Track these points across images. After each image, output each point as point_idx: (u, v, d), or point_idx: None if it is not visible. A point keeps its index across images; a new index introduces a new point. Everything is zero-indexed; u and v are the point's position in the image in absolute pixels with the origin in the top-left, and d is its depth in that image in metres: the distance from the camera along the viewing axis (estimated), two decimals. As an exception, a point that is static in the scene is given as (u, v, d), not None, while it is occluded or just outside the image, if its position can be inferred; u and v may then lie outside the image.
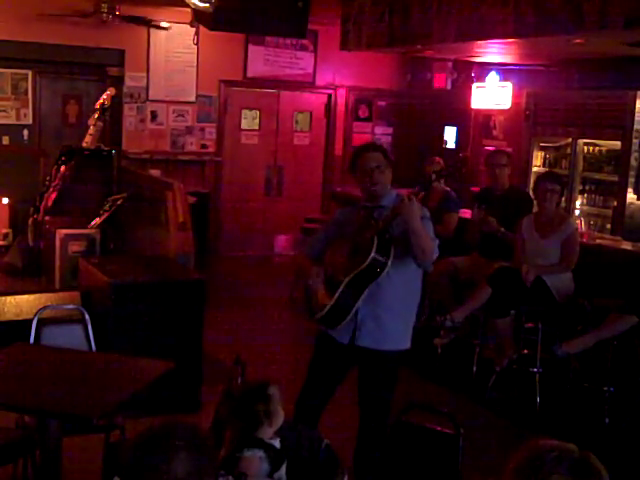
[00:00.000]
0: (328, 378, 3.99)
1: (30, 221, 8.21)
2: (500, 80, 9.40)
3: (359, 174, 3.88)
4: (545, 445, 1.75)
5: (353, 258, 3.73)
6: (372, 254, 3.63)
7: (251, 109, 10.25)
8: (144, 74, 9.45)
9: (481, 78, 9.60)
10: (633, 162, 7.92)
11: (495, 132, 9.76)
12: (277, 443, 2.77)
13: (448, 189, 6.84)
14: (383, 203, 3.85)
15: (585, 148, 8.62)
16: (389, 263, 3.66)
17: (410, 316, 3.95)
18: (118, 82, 9.21)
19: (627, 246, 6.19)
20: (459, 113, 10.13)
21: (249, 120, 10.27)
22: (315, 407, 4.01)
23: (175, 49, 9.50)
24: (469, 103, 9.80)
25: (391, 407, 3.87)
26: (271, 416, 2.75)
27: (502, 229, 6.00)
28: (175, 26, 9.12)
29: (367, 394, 3.92)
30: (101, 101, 8.22)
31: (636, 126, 7.85)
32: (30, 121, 9.21)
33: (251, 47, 9.90)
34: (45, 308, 4.33)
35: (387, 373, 3.91)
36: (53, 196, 7.93)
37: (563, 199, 6.31)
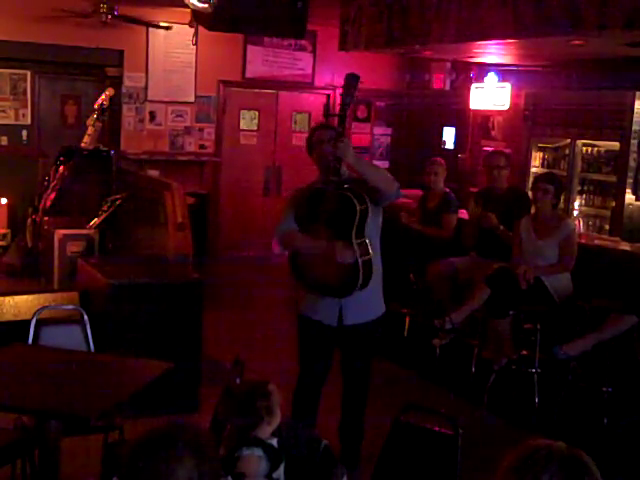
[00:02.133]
0: (322, 363, 4.16)
1: (29, 221, 8.20)
2: (499, 81, 9.40)
3: (315, 148, 3.97)
4: (535, 444, 1.79)
5: (336, 227, 3.86)
6: (358, 207, 3.81)
7: (250, 109, 10.26)
8: (143, 74, 9.46)
9: (480, 79, 9.60)
10: (632, 163, 7.91)
11: (494, 133, 9.76)
12: (275, 443, 2.77)
13: (447, 190, 6.85)
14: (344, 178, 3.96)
15: (584, 149, 8.62)
16: (369, 205, 3.85)
17: (380, 279, 4.10)
18: (117, 82, 9.21)
19: (626, 247, 6.19)
20: (458, 114, 10.13)
21: (248, 120, 10.27)
22: (315, 396, 4.14)
23: (174, 49, 9.50)
24: (468, 104, 9.80)
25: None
26: (271, 413, 2.76)
27: (501, 226, 6.01)
28: (174, 26, 9.12)
29: (353, 365, 4.14)
30: (100, 101, 8.21)
31: (635, 127, 7.84)
32: (29, 121, 9.21)
33: (250, 47, 9.91)
34: (43, 308, 4.33)
35: (372, 341, 4.17)
36: (52, 196, 7.92)
37: (562, 199, 6.31)
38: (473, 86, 9.70)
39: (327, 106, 10.57)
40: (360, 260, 3.87)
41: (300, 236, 4.00)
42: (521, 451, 1.78)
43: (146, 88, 9.49)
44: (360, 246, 3.89)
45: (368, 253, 3.92)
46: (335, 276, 3.93)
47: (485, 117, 9.83)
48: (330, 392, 4.31)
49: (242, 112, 10.21)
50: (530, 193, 6.22)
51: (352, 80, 3.84)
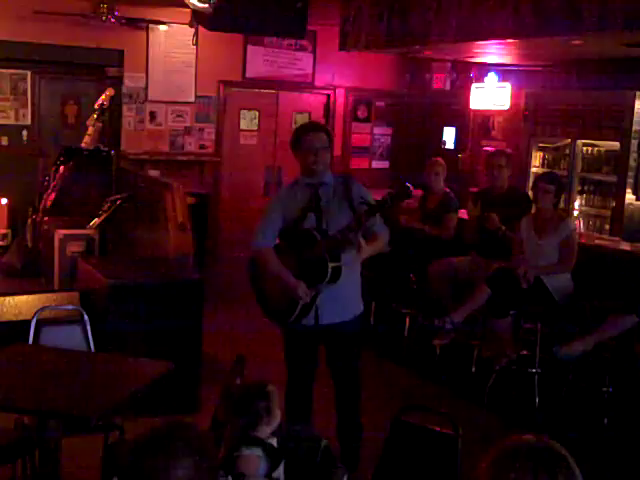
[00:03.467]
0: (307, 364, 4.21)
1: (29, 221, 8.21)
2: (499, 81, 9.40)
3: (303, 152, 4.03)
4: (505, 442, 1.80)
5: (306, 270, 3.98)
6: (329, 269, 3.89)
7: (250, 109, 10.25)
8: (143, 74, 9.45)
9: (480, 79, 9.60)
10: (632, 163, 7.91)
11: (494, 132, 9.76)
12: (275, 442, 2.78)
13: (447, 190, 6.85)
14: (325, 180, 4.07)
15: (584, 149, 8.62)
16: (342, 263, 3.92)
17: (359, 279, 4.20)
18: (117, 83, 9.20)
19: (626, 247, 6.19)
20: (458, 114, 10.13)
21: (248, 121, 10.27)
22: (306, 396, 4.16)
23: (174, 49, 9.49)
24: (468, 104, 9.80)
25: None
26: (270, 413, 2.76)
27: (503, 227, 6.00)
28: (174, 27, 9.12)
29: (338, 365, 4.17)
30: (100, 102, 8.22)
31: (635, 127, 7.84)
32: (29, 121, 9.20)
33: (250, 47, 9.90)
34: (44, 309, 4.33)
35: (352, 340, 4.19)
36: (52, 196, 7.93)
37: (562, 199, 6.31)
38: (473, 86, 9.69)
39: (327, 106, 10.57)
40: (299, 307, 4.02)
41: (274, 260, 4.14)
42: (494, 451, 1.79)
43: (146, 88, 9.48)
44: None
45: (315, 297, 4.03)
46: (279, 302, 4.11)
47: (485, 117, 9.83)
48: (327, 393, 4.31)
49: (242, 112, 10.21)
50: (530, 193, 6.22)
51: (405, 192, 3.82)
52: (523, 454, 1.73)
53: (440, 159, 7.02)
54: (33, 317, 4.14)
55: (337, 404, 4.26)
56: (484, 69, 9.50)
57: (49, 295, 5.31)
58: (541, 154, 9.18)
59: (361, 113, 10.78)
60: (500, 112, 9.54)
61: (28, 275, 7.91)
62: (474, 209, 6.30)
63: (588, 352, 5.26)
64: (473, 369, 5.96)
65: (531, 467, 1.70)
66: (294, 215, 4.06)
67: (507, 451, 1.76)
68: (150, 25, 9.15)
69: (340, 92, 10.55)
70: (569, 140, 8.69)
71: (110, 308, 4.92)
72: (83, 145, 8.14)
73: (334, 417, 4.32)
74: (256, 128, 10.31)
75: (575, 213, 8.48)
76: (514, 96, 9.26)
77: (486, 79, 9.48)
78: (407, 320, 6.80)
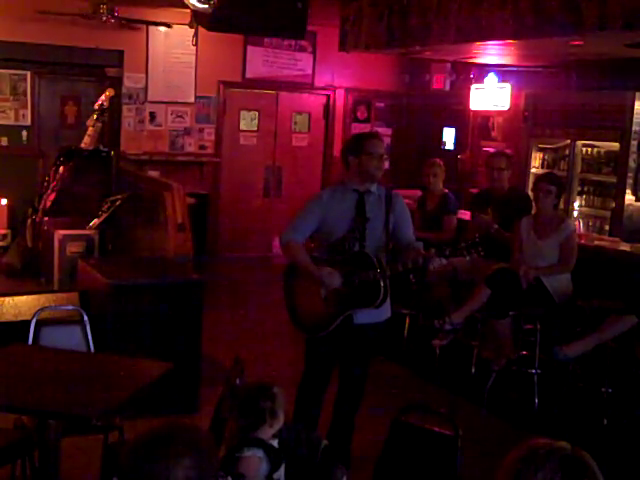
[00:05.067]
0: (329, 365, 4.20)
1: (29, 222, 8.21)
2: (499, 81, 9.40)
3: (365, 156, 4.01)
4: (537, 443, 1.78)
5: (354, 289, 4.00)
6: (382, 293, 4.03)
7: (250, 110, 10.26)
8: (143, 75, 9.46)
9: (480, 79, 9.60)
10: (631, 163, 7.92)
11: (494, 133, 9.76)
12: (275, 444, 2.77)
13: (446, 191, 6.84)
14: (371, 189, 4.09)
15: (583, 149, 8.63)
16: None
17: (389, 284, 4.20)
18: (117, 83, 9.22)
19: (625, 247, 6.18)
20: (458, 114, 10.14)
21: (248, 121, 10.28)
22: (320, 395, 4.17)
23: (174, 50, 9.50)
24: (468, 104, 9.81)
25: None
26: (274, 415, 2.75)
27: (495, 225, 5.99)
28: (174, 27, 9.13)
29: (353, 365, 4.18)
30: (100, 102, 8.23)
31: (634, 127, 7.85)
32: (29, 122, 9.21)
33: (250, 48, 9.91)
34: (44, 309, 4.32)
35: (374, 343, 4.24)
36: (52, 197, 7.94)
37: (562, 200, 6.31)
38: (473, 87, 9.70)
39: (327, 107, 10.58)
40: (336, 322, 4.02)
41: (302, 253, 4.12)
42: (523, 448, 1.78)
43: (146, 89, 9.49)
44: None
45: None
46: (314, 315, 4.09)
47: (485, 118, 9.83)
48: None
49: (242, 113, 10.22)
50: (531, 194, 6.22)
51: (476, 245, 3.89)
52: (552, 461, 1.72)
53: (438, 160, 7.00)
54: (33, 317, 4.14)
55: (338, 403, 4.25)
56: (484, 70, 9.50)
57: (49, 295, 5.30)
58: (541, 155, 9.19)
59: (361, 114, 10.79)
60: (500, 113, 9.55)
61: (28, 275, 7.91)
62: (479, 216, 6.26)
63: (588, 353, 5.26)
64: (473, 370, 5.95)
65: (562, 475, 1.69)
66: (336, 220, 4.06)
67: (538, 454, 1.74)
68: (150, 26, 9.16)
69: (340, 93, 10.56)
70: (569, 141, 8.69)
71: (110, 308, 4.92)
72: (83, 145, 8.14)
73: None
74: (256, 128, 10.32)
75: (575, 214, 8.49)
76: (514, 97, 9.27)
77: (486, 80, 9.49)
78: (407, 321, 6.80)
